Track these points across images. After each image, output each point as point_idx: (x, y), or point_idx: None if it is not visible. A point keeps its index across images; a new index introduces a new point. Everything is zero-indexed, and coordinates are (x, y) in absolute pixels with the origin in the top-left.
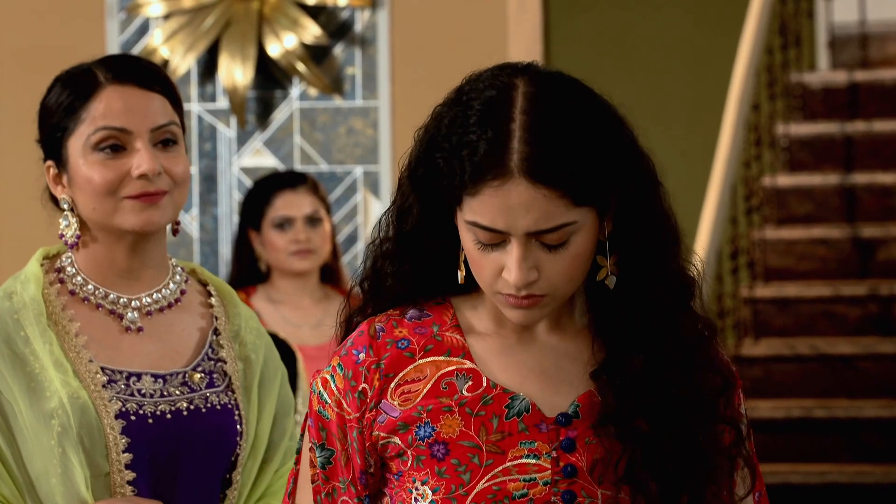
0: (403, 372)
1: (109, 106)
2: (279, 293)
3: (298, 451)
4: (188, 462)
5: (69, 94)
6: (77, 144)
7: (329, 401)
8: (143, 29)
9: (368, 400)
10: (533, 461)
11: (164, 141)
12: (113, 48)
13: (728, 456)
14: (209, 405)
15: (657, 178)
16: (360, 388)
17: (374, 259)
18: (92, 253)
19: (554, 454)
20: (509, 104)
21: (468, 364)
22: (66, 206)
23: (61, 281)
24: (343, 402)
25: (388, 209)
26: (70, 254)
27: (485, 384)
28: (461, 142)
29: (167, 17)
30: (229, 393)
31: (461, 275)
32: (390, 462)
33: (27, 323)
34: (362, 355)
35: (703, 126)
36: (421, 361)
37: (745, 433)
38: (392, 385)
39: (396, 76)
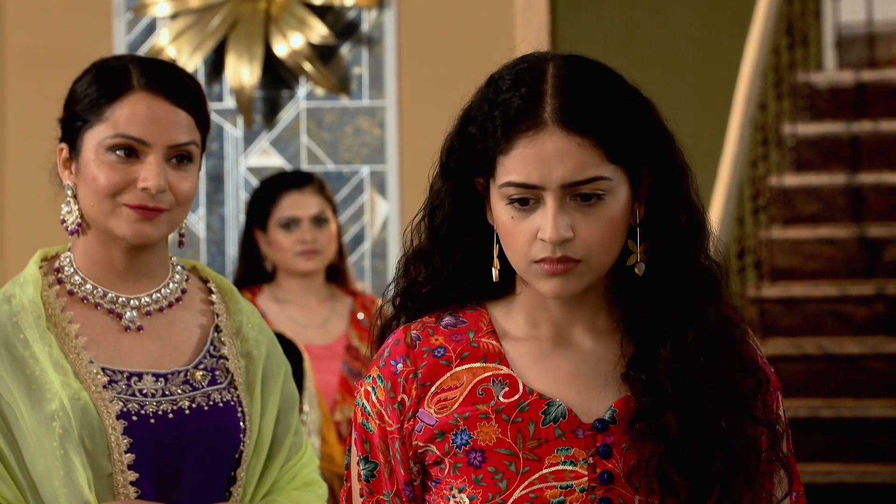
0: (440, 380)
1: (134, 113)
2: (285, 293)
3: (347, 467)
4: (192, 461)
5: (98, 89)
6: (93, 140)
7: (371, 413)
8: (151, 28)
9: (407, 410)
10: (570, 468)
11: (179, 157)
12: (120, 48)
13: (762, 457)
14: (211, 403)
15: (686, 162)
16: (399, 399)
17: (405, 266)
18: (90, 251)
19: (591, 460)
20: (542, 71)
21: (504, 370)
22: (69, 193)
23: (60, 282)
24: (384, 413)
25: (418, 214)
26: (69, 254)
27: (521, 390)
28: (494, 103)
29: (174, 16)
30: (232, 390)
31: (496, 272)
32: (430, 469)
33: (26, 326)
34: (400, 365)
35: (709, 125)
36: (457, 369)
37: (782, 435)
38: (429, 393)
39: (403, 76)
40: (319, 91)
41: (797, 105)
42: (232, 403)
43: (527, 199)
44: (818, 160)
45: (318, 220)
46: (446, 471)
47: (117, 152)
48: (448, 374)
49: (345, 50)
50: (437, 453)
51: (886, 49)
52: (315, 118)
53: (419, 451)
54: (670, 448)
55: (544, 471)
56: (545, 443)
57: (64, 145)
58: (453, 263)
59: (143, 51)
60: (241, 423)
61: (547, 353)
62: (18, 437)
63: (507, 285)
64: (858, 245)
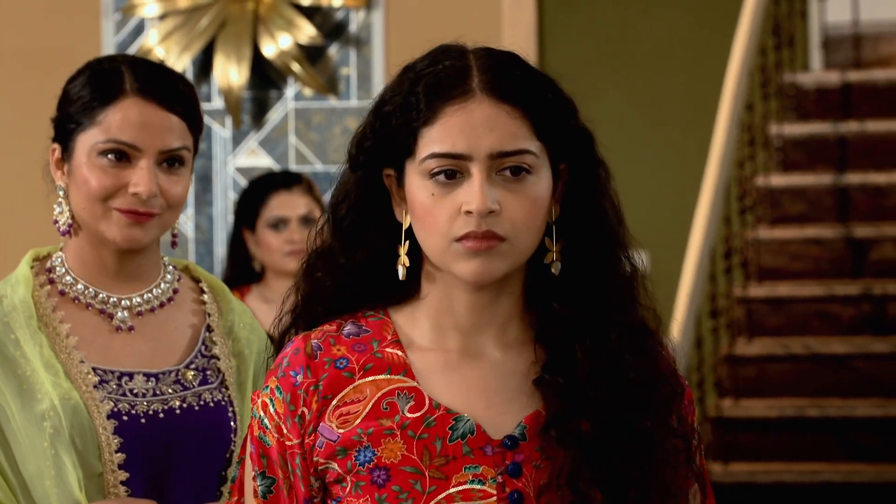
0: (342, 393)
1: (127, 118)
2: (273, 293)
3: (234, 480)
4: (182, 460)
5: (91, 92)
6: (86, 143)
7: (269, 426)
8: (139, 29)
9: (307, 424)
10: (478, 487)
11: (170, 161)
12: (108, 49)
13: (678, 472)
14: (202, 403)
15: (600, 156)
16: (299, 412)
17: (307, 269)
18: (81, 252)
19: (500, 479)
20: (462, 52)
21: (410, 382)
22: (61, 193)
23: (51, 282)
24: (283, 427)
25: (322, 216)
26: (60, 254)
27: (427, 404)
28: (415, 80)
29: (162, 17)
30: (223, 389)
31: (402, 269)
32: (331, 487)
33: (17, 325)
34: (300, 377)
35: (696, 126)
36: (360, 381)
37: (696, 449)
38: (330, 407)
39: (391, 76)
40: (307, 91)
41: (784, 105)
42: (223, 403)
43: (451, 171)
44: (804, 160)
45: (307, 220)
46: (348, 489)
47: (109, 156)
48: (350, 386)
49: (333, 50)
50: (339, 470)
51: (873, 49)
52: (303, 118)
53: (319, 467)
54: (585, 453)
55: (451, 490)
56: (452, 460)
57: (56, 146)
58: (356, 261)
59: (131, 51)
60: (232, 423)
61: (454, 365)
62: (10, 436)
63: (411, 291)
64: (845, 245)
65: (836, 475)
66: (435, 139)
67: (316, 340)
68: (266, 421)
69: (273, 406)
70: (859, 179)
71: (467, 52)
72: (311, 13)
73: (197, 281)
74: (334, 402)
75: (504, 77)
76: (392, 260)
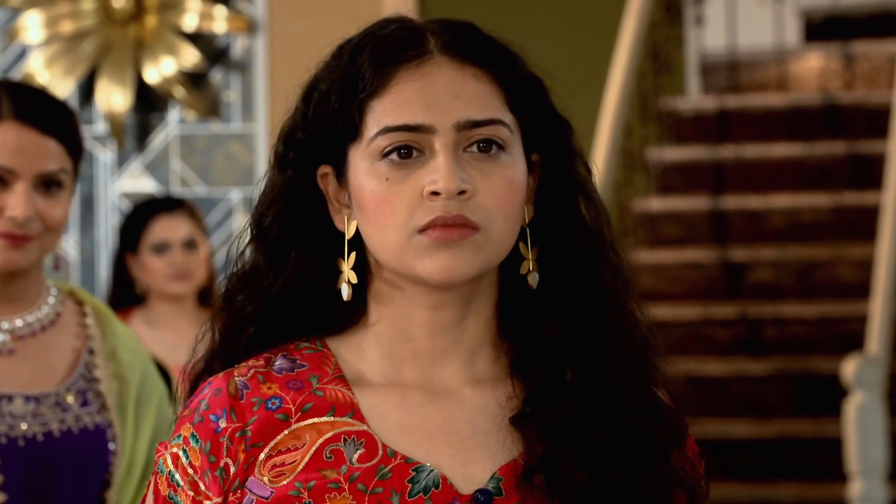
0: (276, 440)
1: (3, 142)
2: (156, 315)
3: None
4: (62, 482)
5: None
6: None
7: (182, 483)
8: (23, 53)
9: (232, 478)
10: None
11: (48, 183)
12: None
13: None
14: (82, 425)
15: (579, 147)
16: (221, 465)
17: (224, 297)
18: None
19: None
20: (408, 19)
21: (358, 425)
22: None
23: None
24: (200, 484)
25: (242, 230)
26: None
27: (381, 452)
28: (357, 49)
29: (46, 42)
30: (103, 412)
31: (347, 289)
32: None
33: None
34: (223, 422)
35: None
36: (298, 425)
37: (704, 500)
38: (261, 457)
39: (274, 101)
40: (191, 116)
41: (662, 130)
42: (102, 426)
43: (408, 148)
44: (682, 184)
45: (189, 244)
46: None
47: None
48: (286, 431)
49: (216, 75)
50: None
51: (748, 75)
52: (186, 143)
53: None
54: (584, 500)
55: None
56: None
57: None
58: (285, 282)
59: (15, 76)
60: (111, 445)
61: (413, 403)
62: None
63: (353, 317)
64: (721, 268)
65: (715, 495)
66: (388, 111)
67: (241, 378)
68: (178, 477)
69: (187, 458)
70: (736, 203)
71: (412, 19)
72: (194, 38)
73: (81, 304)
74: (266, 450)
75: (466, 36)
76: (330, 279)
